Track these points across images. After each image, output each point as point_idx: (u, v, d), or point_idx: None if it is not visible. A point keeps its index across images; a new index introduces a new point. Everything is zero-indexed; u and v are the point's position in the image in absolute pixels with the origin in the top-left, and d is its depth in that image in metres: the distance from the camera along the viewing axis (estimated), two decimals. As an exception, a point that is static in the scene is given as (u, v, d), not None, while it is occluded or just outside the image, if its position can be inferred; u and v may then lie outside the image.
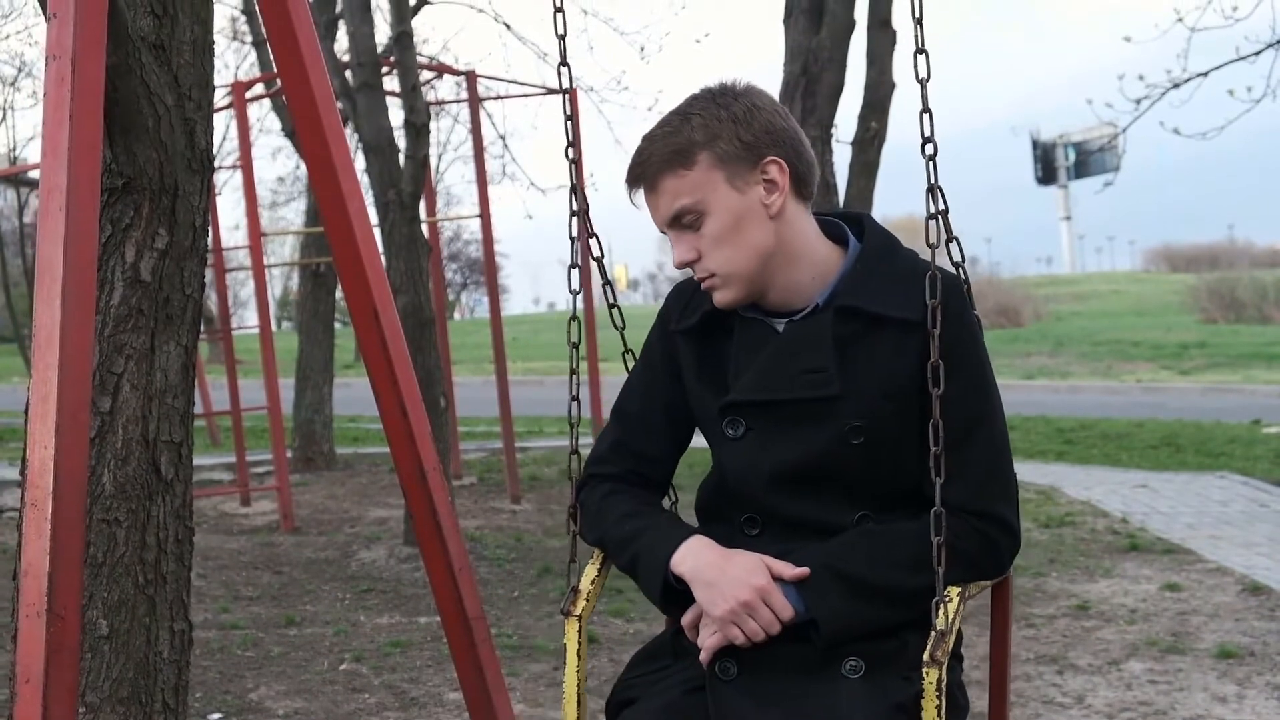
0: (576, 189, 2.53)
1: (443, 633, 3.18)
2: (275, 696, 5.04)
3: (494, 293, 11.59)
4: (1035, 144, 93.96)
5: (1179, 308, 40.28)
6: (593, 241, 2.56)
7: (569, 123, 2.58)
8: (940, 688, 1.94)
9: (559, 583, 6.86)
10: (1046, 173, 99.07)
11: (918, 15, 2.15)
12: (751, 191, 2.11)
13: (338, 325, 14.55)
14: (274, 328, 11.15)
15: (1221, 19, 9.71)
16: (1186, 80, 9.91)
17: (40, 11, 2.55)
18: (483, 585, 6.71)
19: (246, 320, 42.05)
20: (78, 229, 2.16)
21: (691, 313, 2.26)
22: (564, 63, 2.58)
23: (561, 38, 2.57)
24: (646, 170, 2.14)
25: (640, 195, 2.19)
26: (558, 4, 2.56)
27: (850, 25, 5.95)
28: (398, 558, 7.62)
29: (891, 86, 6.27)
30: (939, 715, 1.94)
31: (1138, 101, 10.01)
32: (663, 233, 2.21)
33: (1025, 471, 10.83)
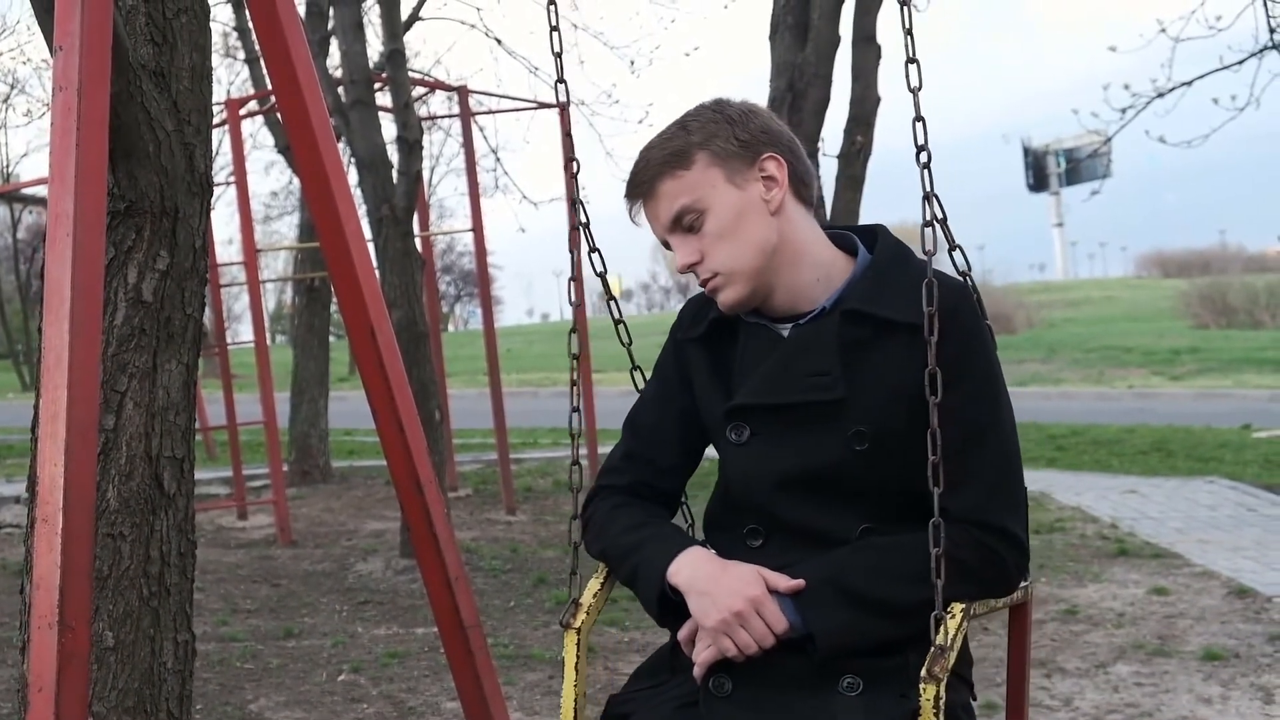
0: (578, 203, 2.54)
1: (440, 643, 3.25)
2: (275, 707, 5.10)
3: (487, 305, 11.67)
4: (1027, 151, 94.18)
5: (1171, 313, 40.39)
6: (595, 256, 2.56)
7: (567, 138, 2.59)
8: (938, 705, 1.88)
9: (554, 593, 6.93)
10: (1038, 180, 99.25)
11: (908, 26, 2.15)
12: (751, 188, 2.12)
13: (332, 339, 14.63)
14: (268, 342, 11.21)
15: (1205, 29, 9.83)
16: (1171, 89, 10.02)
17: (38, 29, 2.63)
18: (479, 596, 6.78)
19: (241, 335, 42.07)
20: (84, 253, 2.24)
21: (700, 322, 2.25)
22: (561, 80, 2.60)
23: (558, 55, 2.59)
24: (645, 178, 2.15)
25: (639, 209, 2.20)
26: (553, 22, 2.58)
27: (835, 41, 6.05)
28: (394, 569, 7.69)
29: (876, 101, 6.37)
30: None
31: (1123, 111, 10.12)
32: (664, 244, 2.20)
33: (1016, 478, 10.90)
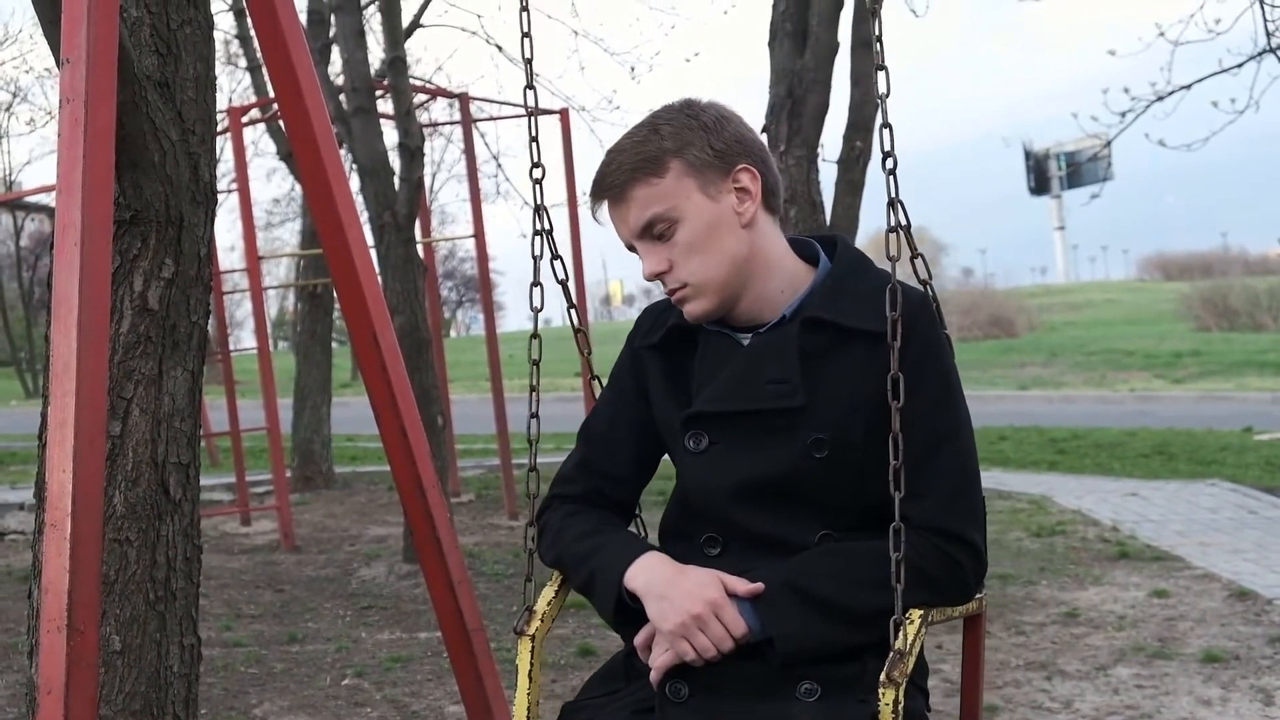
0: (541, 209, 2.53)
1: (443, 647, 3.28)
2: (279, 712, 5.13)
3: (489, 311, 11.70)
4: (1028, 154, 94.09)
5: (1173, 316, 40.40)
6: (556, 263, 2.54)
7: (533, 144, 2.61)
8: (896, 709, 1.89)
9: (557, 597, 6.95)
10: (1039, 183, 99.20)
11: (878, 34, 2.18)
12: (724, 199, 2.10)
13: (334, 345, 14.66)
14: (270, 348, 11.24)
15: (1204, 32, 9.86)
16: (1170, 93, 10.05)
17: (41, 38, 2.66)
18: (481, 601, 6.80)
19: (242, 341, 42.09)
20: (91, 262, 2.27)
21: (658, 329, 2.24)
22: (530, 85, 2.63)
23: (529, 60, 2.63)
24: (615, 180, 2.12)
25: (604, 209, 2.17)
26: (525, 29, 2.62)
27: (834, 47, 6.08)
28: (397, 574, 7.72)
29: (875, 106, 6.38)
30: None
31: (1123, 114, 10.15)
32: (628, 246, 2.18)
33: (1017, 482, 10.96)
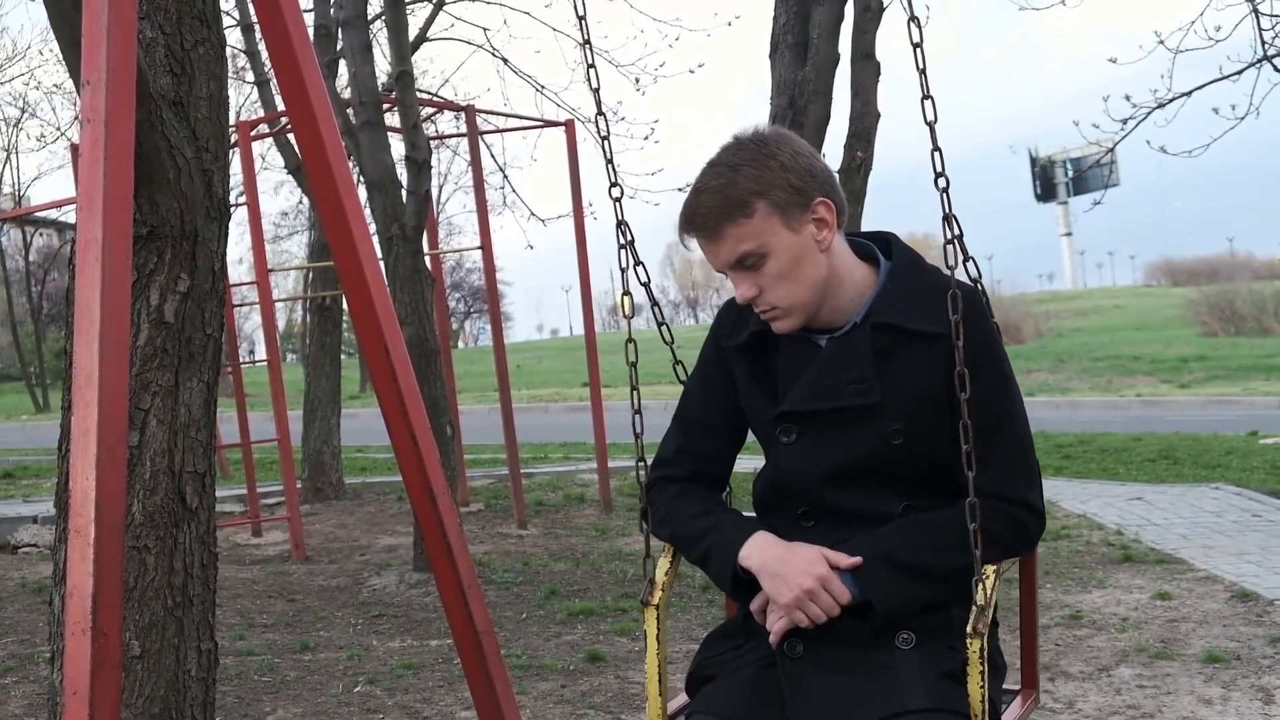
0: (622, 224, 2.77)
1: (454, 654, 3.35)
2: (292, 719, 5.20)
3: (497, 322, 11.76)
4: (1034, 161, 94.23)
5: (1179, 321, 40.42)
6: (640, 269, 2.80)
7: (609, 165, 2.82)
8: (983, 655, 2.22)
9: (566, 604, 7.02)
10: (1045, 189, 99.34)
11: (921, 66, 2.40)
12: (805, 230, 2.34)
13: (343, 357, 14.73)
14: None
15: (1204, 40, 9.92)
16: (1171, 100, 10.12)
17: (49, 54, 2.74)
18: (491, 608, 6.85)
19: (252, 353, 42.17)
20: (112, 277, 2.35)
21: (741, 329, 2.51)
22: (600, 113, 2.87)
23: (596, 90, 2.90)
24: (707, 220, 2.34)
25: (693, 240, 2.40)
26: (590, 60, 2.88)
27: (835, 59, 6.16)
28: (408, 583, 7.79)
29: (876, 117, 6.48)
30: (982, 679, 2.22)
31: (1124, 122, 10.21)
32: (720, 272, 2.42)
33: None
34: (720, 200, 2.32)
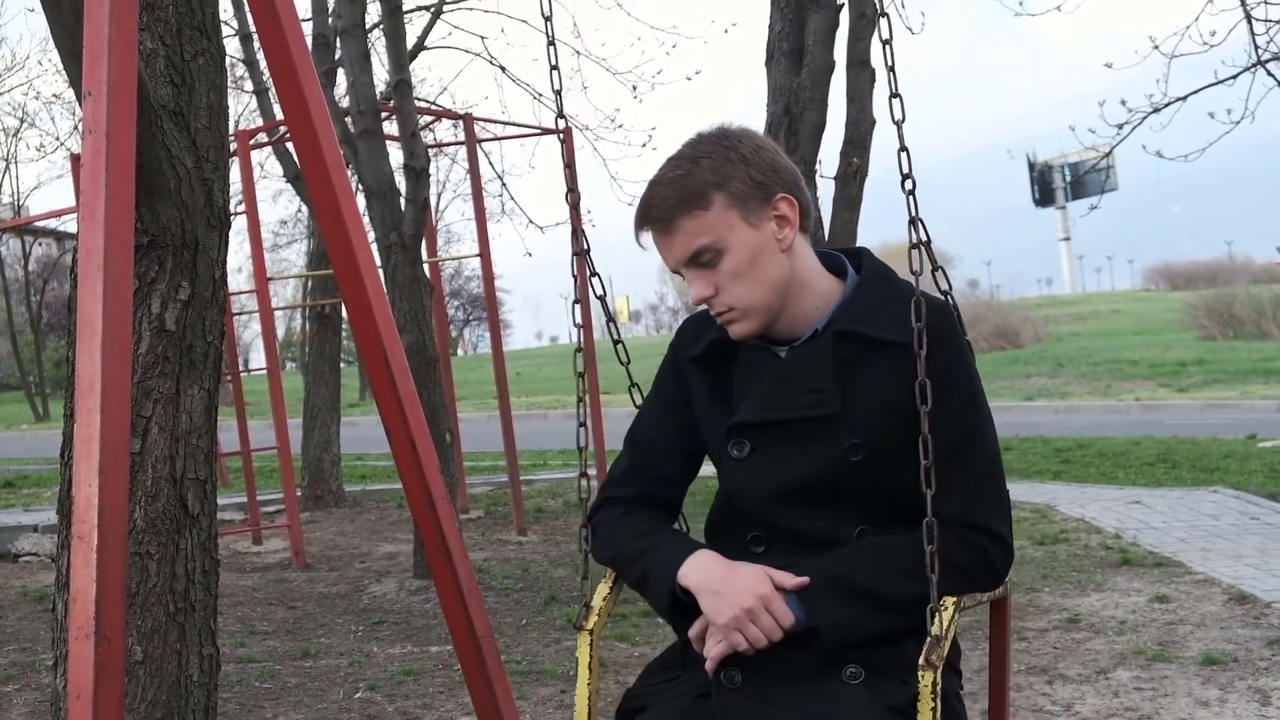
0: (578, 231, 2.70)
1: (454, 660, 3.37)
2: (294, 725, 5.23)
3: (495, 329, 11.78)
4: (1032, 166, 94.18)
5: (1178, 325, 40.40)
6: (595, 280, 2.68)
7: (568, 169, 2.76)
8: (935, 690, 2.03)
9: (565, 610, 7.04)
10: (1044, 194, 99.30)
11: (890, 63, 2.32)
12: (765, 227, 2.21)
13: (342, 365, 14.75)
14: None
15: (1199, 45, 9.97)
16: (1166, 104, 10.17)
17: (48, 64, 2.77)
18: (491, 614, 6.85)
19: (250, 362, 42.18)
20: (114, 286, 2.37)
21: (700, 341, 2.37)
22: (560, 115, 2.78)
23: (558, 92, 2.75)
24: (661, 213, 2.22)
25: (648, 236, 2.28)
26: (553, 61, 2.76)
27: (830, 66, 6.20)
28: (408, 590, 7.80)
29: (871, 123, 6.51)
30: (934, 717, 2.03)
31: (1120, 126, 10.26)
32: (675, 272, 2.29)
33: (1022, 491, 11.02)
34: (676, 192, 2.20)
